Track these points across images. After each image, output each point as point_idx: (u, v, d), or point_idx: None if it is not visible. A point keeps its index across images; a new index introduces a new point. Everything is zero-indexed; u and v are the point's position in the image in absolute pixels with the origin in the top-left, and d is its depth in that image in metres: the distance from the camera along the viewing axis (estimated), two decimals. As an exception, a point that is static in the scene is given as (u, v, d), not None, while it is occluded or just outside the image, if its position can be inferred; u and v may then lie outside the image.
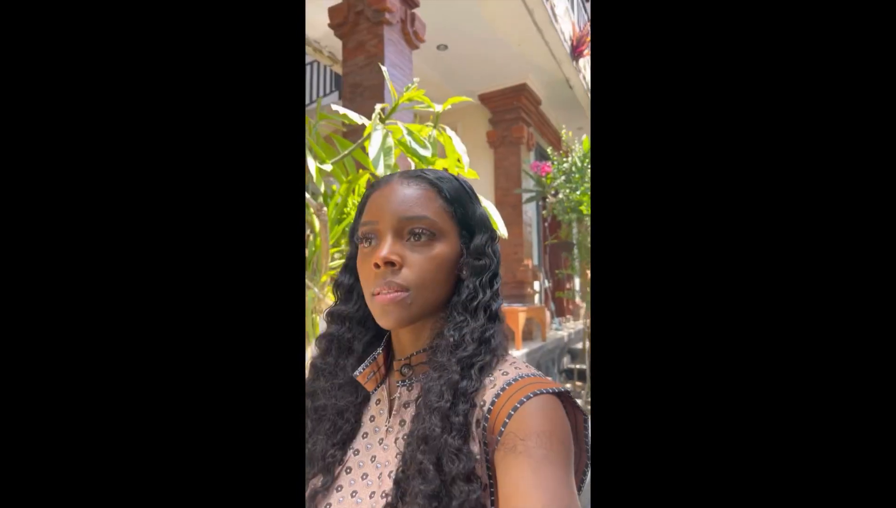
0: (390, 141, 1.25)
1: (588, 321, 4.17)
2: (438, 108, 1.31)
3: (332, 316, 0.56)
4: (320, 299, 1.25)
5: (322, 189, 1.42)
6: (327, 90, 5.85)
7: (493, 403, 0.44)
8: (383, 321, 0.48)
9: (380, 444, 0.50)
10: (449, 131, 1.30)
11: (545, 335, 4.48)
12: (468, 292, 0.49)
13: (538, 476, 0.39)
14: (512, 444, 0.41)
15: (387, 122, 1.28)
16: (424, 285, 0.47)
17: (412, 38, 2.83)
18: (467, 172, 1.29)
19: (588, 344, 4.13)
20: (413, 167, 0.87)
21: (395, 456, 0.47)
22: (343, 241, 1.35)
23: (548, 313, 4.75)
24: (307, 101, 5.68)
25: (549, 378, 0.46)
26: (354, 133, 2.38)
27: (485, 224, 0.53)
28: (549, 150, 4.37)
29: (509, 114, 5.06)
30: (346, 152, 1.42)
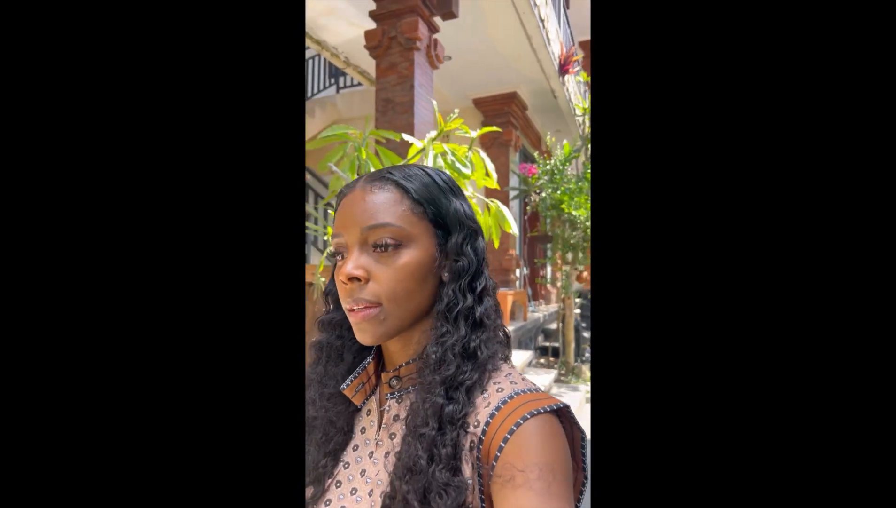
0: (440, 161, 1.77)
1: (561, 304, 4.84)
2: (474, 133, 1.84)
3: (323, 324, 0.54)
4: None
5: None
6: (326, 84, 6.24)
7: (487, 423, 0.43)
8: (361, 338, 0.47)
9: (370, 458, 0.49)
10: (482, 153, 1.84)
11: (526, 316, 5.14)
12: (448, 298, 0.46)
13: None
14: (510, 475, 0.39)
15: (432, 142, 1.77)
16: (396, 298, 0.45)
17: (434, 61, 3.33)
18: (494, 184, 1.82)
19: (562, 325, 4.81)
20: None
21: (387, 474, 0.45)
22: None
23: (527, 297, 5.43)
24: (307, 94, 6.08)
25: (546, 393, 0.45)
26: (390, 142, 2.88)
27: (462, 221, 0.49)
28: (535, 154, 4.94)
29: (500, 118, 5.49)
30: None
